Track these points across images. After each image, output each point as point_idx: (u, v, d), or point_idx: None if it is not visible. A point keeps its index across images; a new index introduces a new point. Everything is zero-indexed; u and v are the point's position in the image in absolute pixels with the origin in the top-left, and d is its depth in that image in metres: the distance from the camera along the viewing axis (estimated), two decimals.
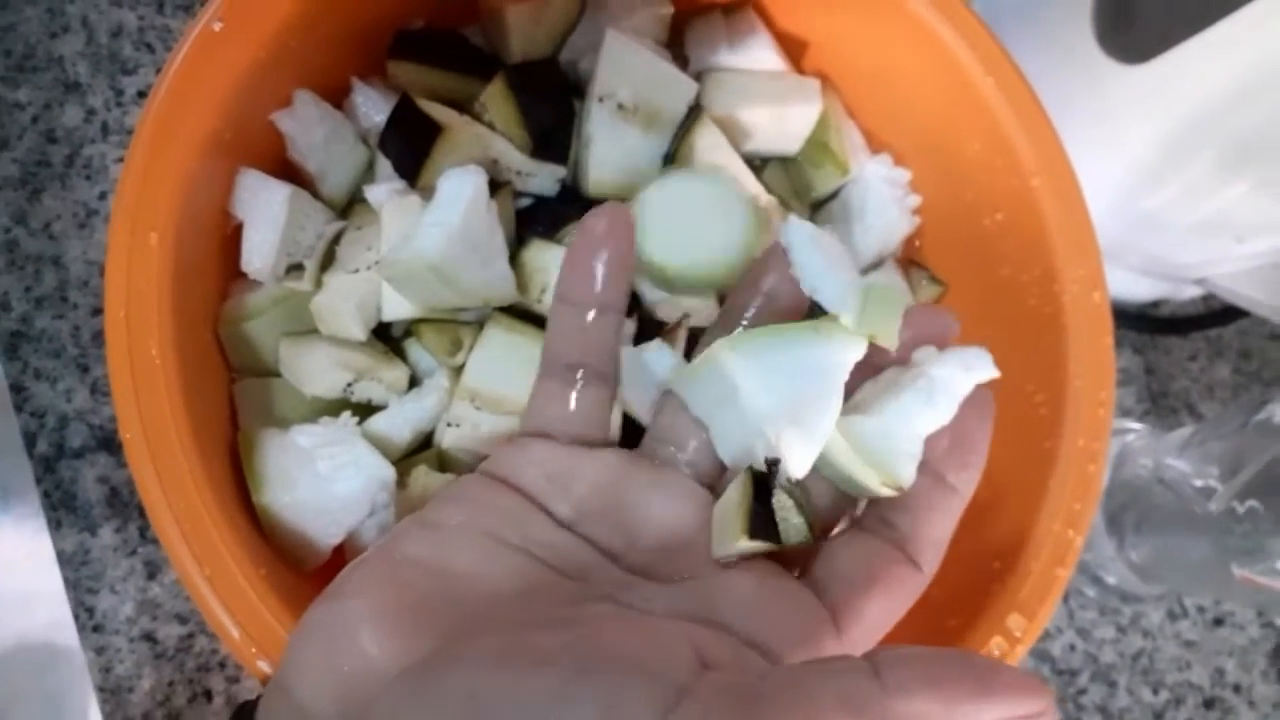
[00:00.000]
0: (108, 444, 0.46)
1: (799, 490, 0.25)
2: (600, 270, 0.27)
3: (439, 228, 0.38)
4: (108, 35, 0.49)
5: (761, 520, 0.24)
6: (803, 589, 0.25)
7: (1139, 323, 0.61)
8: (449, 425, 0.39)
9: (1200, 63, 0.45)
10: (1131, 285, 0.60)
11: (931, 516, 0.26)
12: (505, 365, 0.40)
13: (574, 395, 0.28)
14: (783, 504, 0.24)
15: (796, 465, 0.25)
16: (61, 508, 0.46)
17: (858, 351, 0.25)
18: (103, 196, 0.48)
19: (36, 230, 0.47)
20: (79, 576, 0.45)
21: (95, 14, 0.49)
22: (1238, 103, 0.45)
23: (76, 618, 0.45)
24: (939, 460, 0.26)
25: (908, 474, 0.25)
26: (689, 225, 0.40)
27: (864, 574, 0.25)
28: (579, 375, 0.28)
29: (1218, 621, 0.59)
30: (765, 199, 0.46)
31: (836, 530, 0.28)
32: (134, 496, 0.46)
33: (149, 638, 0.45)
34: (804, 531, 0.25)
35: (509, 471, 0.27)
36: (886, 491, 0.25)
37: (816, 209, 0.50)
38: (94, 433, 0.46)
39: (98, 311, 0.47)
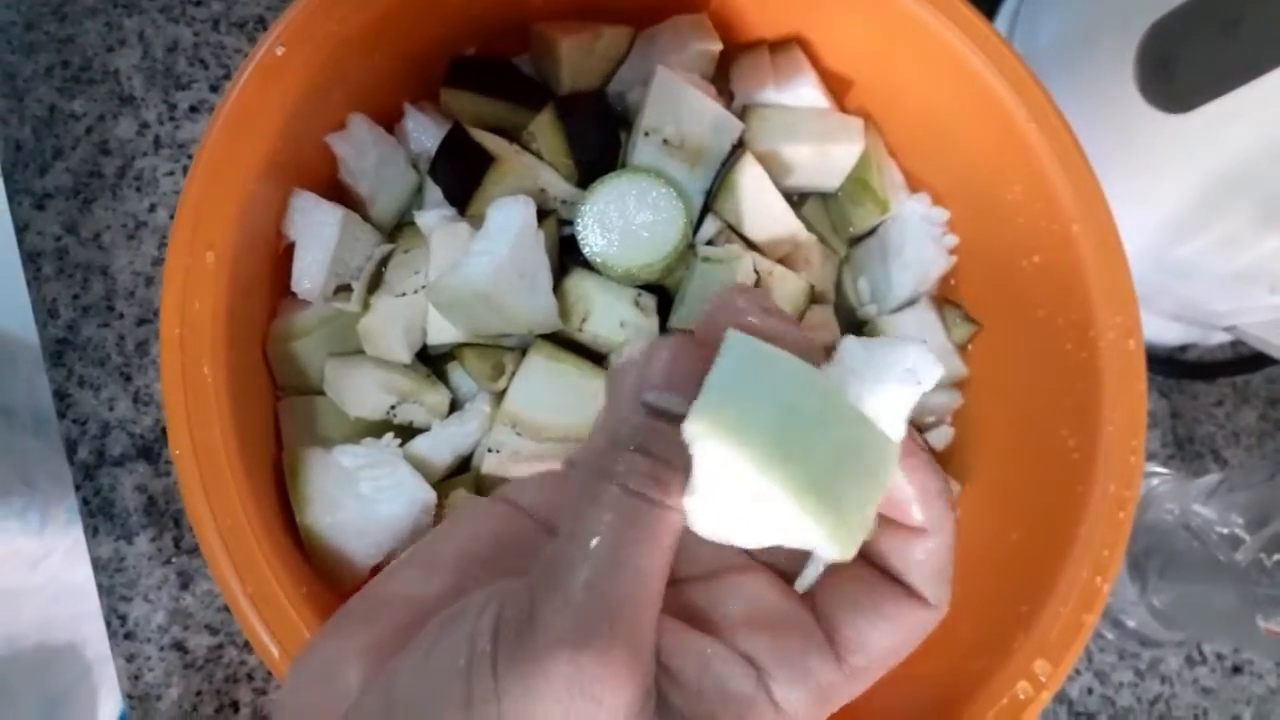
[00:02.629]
0: (147, 453, 0.47)
1: None
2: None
3: (488, 256, 0.38)
4: (163, 50, 0.50)
5: None
6: (801, 610, 0.24)
7: (1166, 366, 0.61)
8: (489, 450, 0.40)
9: (1242, 116, 0.45)
10: (1160, 329, 0.60)
11: (914, 553, 0.24)
12: (546, 392, 0.40)
13: None
14: None
15: None
16: (99, 515, 0.46)
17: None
18: (152, 209, 0.49)
19: (86, 240, 0.48)
20: (113, 584, 0.46)
21: (152, 29, 0.50)
22: (1278, 157, 0.45)
23: (109, 624, 0.46)
24: (902, 515, 0.24)
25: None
26: (628, 221, 0.42)
27: (867, 603, 0.24)
28: None
29: (1236, 669, 0.59)
30: (804, 235, 0.47)
31: None
32: (170, 506, 0.47)
33: (179, 647, 0.46)
34: None
35: (516, 492, 0.26)
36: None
37: (854, 244, 0.50)
38: (134, 441, 0.47)
39: (143, 321, 0.48)
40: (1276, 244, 0.48)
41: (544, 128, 0.43)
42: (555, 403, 0.40)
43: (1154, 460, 0.61)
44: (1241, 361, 0.62)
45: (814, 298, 0.47)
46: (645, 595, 0.20)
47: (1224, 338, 0.61)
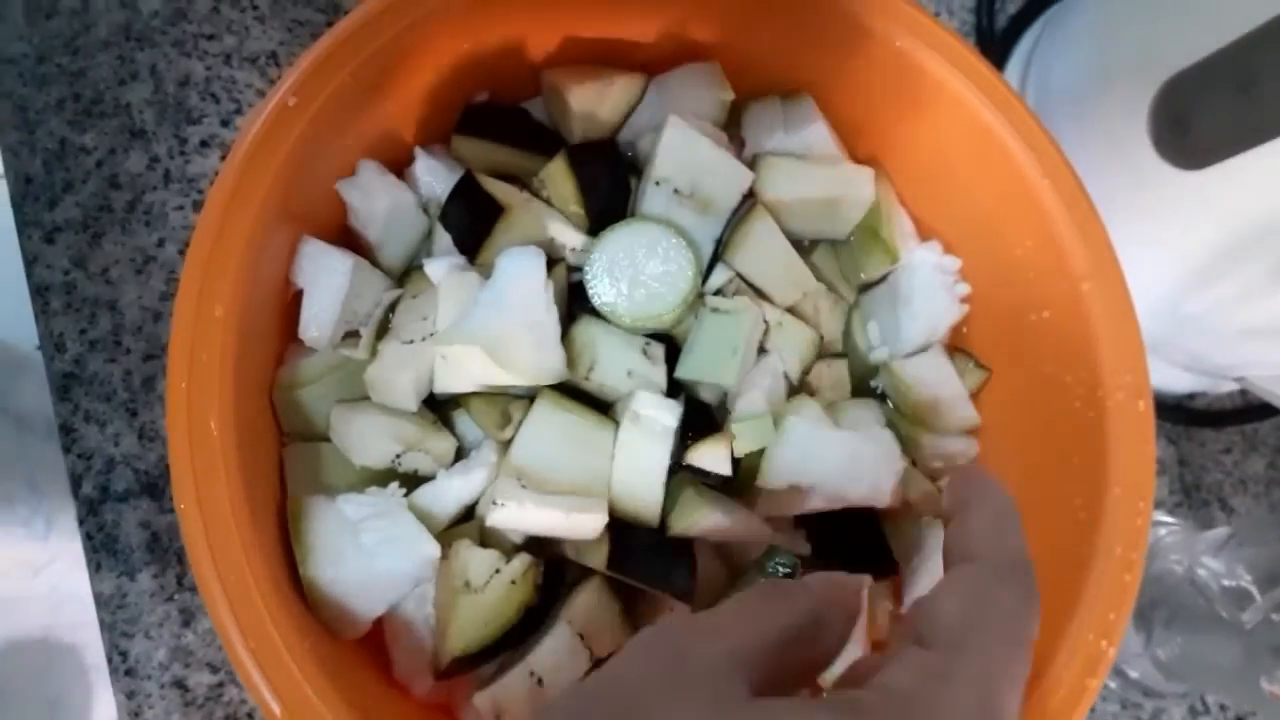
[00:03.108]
0: (151, 489, 0.47)
1: None
2: None
3: (496, 308, 0.38)
4: (175, 84, 0.50)
5: None
6: None
7: (1175, 414, 0.61)
8: (494, 503, 0.39)
9: (1257, 175, 0.45)
10: (1169, 377, 0.60)
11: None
12: (553, 443, 0.40)
13: None
14: None
15: None
16: (102, 550, 0.46)
17: None
18: (161, 243, 0.49)
19: (94, 274, 0.48)
20: (115, 620, 0.46)
21: (164, 63, 0.50)
22: None
23: (110, 660, 0.46)
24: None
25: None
26: (637, 271, 0.42)
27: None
28: None
29: None
30: (813, 285, 0.46)
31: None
32: (173, 543, 0.47)
33: (180, 684, 0.46)
34: None
35: None
36: None
37: (864, 290, 0.50)
38: (139, 477, 0.47)
39: (150, 357, 0.48)
40: None
41: (555, 177, 0.43)
42: (562, 454, 0.40)
43: (1161, 508, 0.60)
44: (1250, 410, 0.62)
45: (822, 347, 0.47)
46: (755, 639, 0.25)
47: (1233, 386, 0.61)
